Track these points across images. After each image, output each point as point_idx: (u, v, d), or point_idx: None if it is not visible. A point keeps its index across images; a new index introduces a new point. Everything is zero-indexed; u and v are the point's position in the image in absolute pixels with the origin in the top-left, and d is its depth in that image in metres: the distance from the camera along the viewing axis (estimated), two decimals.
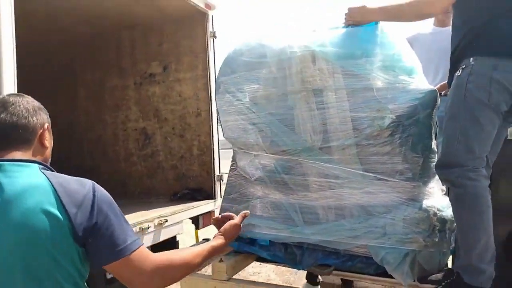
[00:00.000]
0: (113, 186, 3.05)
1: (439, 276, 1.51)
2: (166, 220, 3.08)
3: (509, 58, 1.43)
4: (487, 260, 1.46)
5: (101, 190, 1.04)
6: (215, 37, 3.89)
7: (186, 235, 3.76)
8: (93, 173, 4.22)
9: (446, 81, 1.73)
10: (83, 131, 4.85)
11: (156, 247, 2.86)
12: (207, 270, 2.09)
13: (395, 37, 1.69)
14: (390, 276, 1.69)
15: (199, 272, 2.09)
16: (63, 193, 0.97)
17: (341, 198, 1.77)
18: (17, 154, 1.04)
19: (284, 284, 3.57)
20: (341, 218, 1.78)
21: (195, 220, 3.60)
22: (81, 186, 1.01)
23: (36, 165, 1.03)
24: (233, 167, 2.19)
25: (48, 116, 1.15)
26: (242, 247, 2.04)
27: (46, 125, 1.12)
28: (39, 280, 0.94)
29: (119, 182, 4.53)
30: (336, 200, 1.78)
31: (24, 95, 1.13)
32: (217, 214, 2.80)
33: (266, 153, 1.89)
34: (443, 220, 1.64)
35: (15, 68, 2.05)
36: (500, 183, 1.85)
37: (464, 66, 1.49)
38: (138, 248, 1.03)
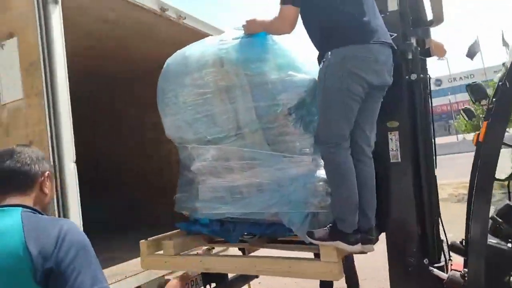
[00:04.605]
0: (162, 216, 3.45)
1: (324, 229, 1.84)
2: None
3: (354, 45, 1.75)
4: (349, 212, 1.79)
5: (73, 233, 1.04)
6: None
7: None
8: (139, 206, 4.33)
9: None
10: (124, 163, 5.01)
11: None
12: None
13: (285, 44, 2.05)
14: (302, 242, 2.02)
15: (157, 252, 2.45)
16: (30, 236, 1.00)
17: (258, 176, 2.12)
18: (14, 199, 1.12)
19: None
20: (259, 193, 2.13)
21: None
22: (52, 228, 1.03)
23: (20, 209, 1.09)
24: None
25: (50, 165, 1.26)
26: (188, 227, 2.41)
27: (47, 173, 1.21)
28: None
29: (168, 213, 4.67)
30: (255, 179, 2.14)
31: (31, 146, 1.27)
32: None
33: (197, 145, 2.27)
34: None
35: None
36: None
37: (324, 59, 1.81)
38: None
